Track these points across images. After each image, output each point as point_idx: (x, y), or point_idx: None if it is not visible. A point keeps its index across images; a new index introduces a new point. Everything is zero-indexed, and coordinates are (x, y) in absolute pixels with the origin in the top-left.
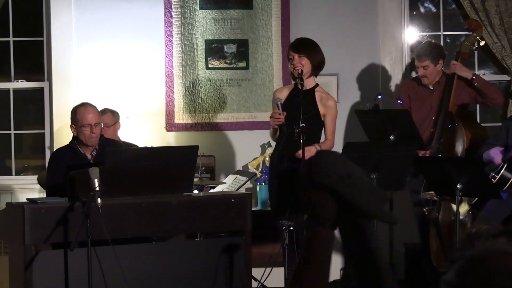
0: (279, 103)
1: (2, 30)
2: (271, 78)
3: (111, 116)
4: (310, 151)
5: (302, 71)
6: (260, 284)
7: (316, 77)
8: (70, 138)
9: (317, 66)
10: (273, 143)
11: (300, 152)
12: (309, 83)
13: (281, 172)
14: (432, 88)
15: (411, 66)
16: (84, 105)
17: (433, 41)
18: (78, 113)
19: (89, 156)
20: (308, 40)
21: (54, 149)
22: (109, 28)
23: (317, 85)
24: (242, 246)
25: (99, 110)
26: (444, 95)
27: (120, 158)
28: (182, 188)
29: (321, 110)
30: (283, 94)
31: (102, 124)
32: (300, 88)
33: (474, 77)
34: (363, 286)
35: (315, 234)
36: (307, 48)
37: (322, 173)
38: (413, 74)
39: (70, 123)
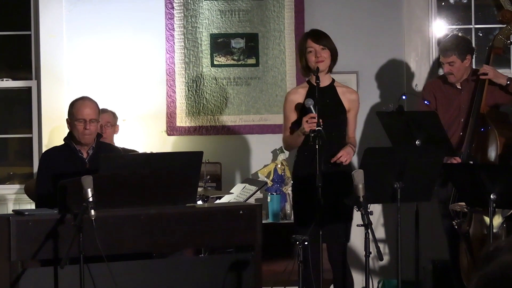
0: (311, 105)
1: None
2: (284, 76)
3: (111, 116)
4: (350, 154)
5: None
6: None
7: (331, 73)
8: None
9: (335, 60)
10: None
11: (339, 155)
12: (326, 80)
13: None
14: (460, 87)
15: (438, 63)
16: (82, 98)
17: (460, 34)
18: (74, 106)
19: (85, 155)
20: (322, 31)
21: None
22: (103, 21)
23: (333, 80)
24: (251, 263)
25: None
26: (475, 94)
27: (116, 165)
28: (185, 199)
29: (346, 105)
30: (299, 95)
31: (100, 122)
32: (316, 85)
33: (509, 82)
34: None
35: None
36: (327, 39)
37: None
38: (440, 72)
39: (66, 118)
